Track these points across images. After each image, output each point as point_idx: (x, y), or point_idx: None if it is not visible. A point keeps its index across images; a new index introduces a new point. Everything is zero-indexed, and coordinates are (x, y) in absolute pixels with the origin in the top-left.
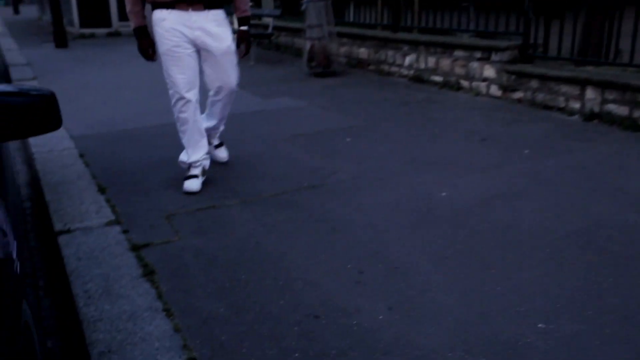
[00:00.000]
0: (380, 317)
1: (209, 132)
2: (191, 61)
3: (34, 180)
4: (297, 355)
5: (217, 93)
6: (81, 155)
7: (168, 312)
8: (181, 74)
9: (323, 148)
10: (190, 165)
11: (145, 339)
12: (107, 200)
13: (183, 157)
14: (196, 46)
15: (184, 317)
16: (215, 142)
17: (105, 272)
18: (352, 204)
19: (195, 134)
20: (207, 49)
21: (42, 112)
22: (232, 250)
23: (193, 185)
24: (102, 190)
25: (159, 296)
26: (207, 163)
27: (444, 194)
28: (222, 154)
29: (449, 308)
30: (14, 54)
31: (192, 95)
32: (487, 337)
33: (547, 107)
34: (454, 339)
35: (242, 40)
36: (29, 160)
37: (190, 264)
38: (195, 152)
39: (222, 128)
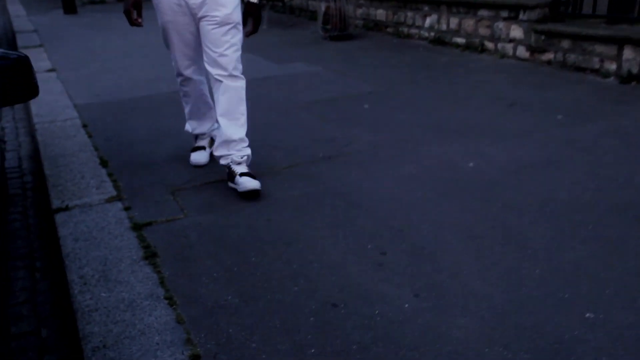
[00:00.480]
0: (406, 305)
1: (221, 149)
2: (190, 37)
3: (36, 153)
4: (313, 351)
5: (213, 81)
6: (84, 126)
7: (170, 301)
8: (179, 51)
9: (339, 116)
10: (197, 137)
11: (145, 332)
12: (109, 174)
13: (188, 127)
14: (194, 15)
15: (188, 307)
16: (240, 169)
17: (104, 254)
18: (372, 177)
19: (200, 105)
20: (202, 18)
21: (15, 77)
22: (241, 228)
23: (200, 158)
24: (104, 163)
25: (161, 282)
26: (215, 133)
27: (471, 164)
28: (250, 182)
29: (482, 295)
30: (22, 21)
31: (192, 72)
32: (529, 330)
33: (579, 69)
34: (490, 331)
35: (250, 15)
36: (32, 132)
37: (195, 245)
38: (201, 125)
39: (244, 148)
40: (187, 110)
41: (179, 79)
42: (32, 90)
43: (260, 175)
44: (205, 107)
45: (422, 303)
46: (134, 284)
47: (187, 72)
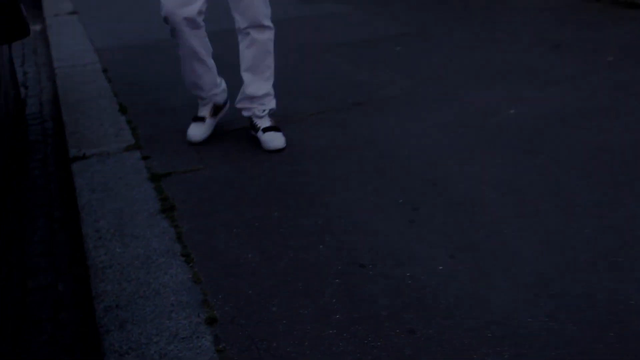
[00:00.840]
0: (440, 267)
1: (244, 102)
2: None
3: (57, 98)
4: (337, 317)
5: (238, 32)
6: (104, 70)
7: (187, 258)
8: None
9: (370, 59)
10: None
11: (159, 291)
12: (129, 122)
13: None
14: None
15: (206, 265)
16: (263, 123)
17: (120, 207)
18: (404, 124)
19: (195, 65)
20: None
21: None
22: (264, 180)
23: (195, 132)
24: (123, 110)
25: (178, 237)
26: (220, 98)
27: (512, 110)
28: (273, 141)
29: (525, 256)
30: None
31: (179, 20)
32: (577, 297)
33: (632, 6)
34: (533, 298)
35: None
36: (53, 77)
37: (215, 198)
38: (198, 87)
39: (268, 102)
40: (182, 68)
41: (170, 30)
42: (19, 29)
43: (285, 122)
44: (201, 68)
45: (458, 265)
46: (150, 239)
47: (174, 19)
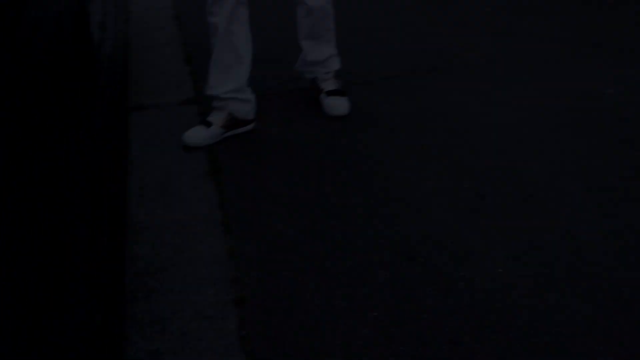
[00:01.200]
0: (500, 270)
1: (305, 67)
2: None
3: (128, 43)
4: (375, 314)
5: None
6: (177, 17)
7: (227, 228)
8: None
9: (454, 19)
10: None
11: (192, 261)
12: (192, 73)
13: (208, 82)
14: None
15: (244, 237)
16: (327, 85)
17: (167, 165)
18: (481, 97)
19: (224, 51)
20: None
21: None
22: (320, 148)
23: (192, 134)
24: (188, 59)
25: (221, 204)
26: (239, 108)
27: (610, 90)
28: (337, 106)
29: (603, 269)
30: None
31: None
32: None
33: None
34: (607, 324)
35: None
36: (128, 20)
37: (266, 163)
38: (218, 82)
39: (332, 63)
40: (212, 57)
41: (209, 1)
42: None
43: (352, 85)
44: (231, 56)
45: (521, 269)
46: (192, 203)
47: None
